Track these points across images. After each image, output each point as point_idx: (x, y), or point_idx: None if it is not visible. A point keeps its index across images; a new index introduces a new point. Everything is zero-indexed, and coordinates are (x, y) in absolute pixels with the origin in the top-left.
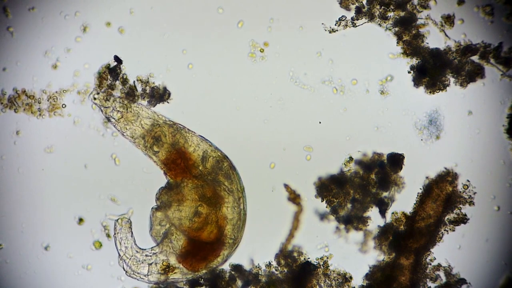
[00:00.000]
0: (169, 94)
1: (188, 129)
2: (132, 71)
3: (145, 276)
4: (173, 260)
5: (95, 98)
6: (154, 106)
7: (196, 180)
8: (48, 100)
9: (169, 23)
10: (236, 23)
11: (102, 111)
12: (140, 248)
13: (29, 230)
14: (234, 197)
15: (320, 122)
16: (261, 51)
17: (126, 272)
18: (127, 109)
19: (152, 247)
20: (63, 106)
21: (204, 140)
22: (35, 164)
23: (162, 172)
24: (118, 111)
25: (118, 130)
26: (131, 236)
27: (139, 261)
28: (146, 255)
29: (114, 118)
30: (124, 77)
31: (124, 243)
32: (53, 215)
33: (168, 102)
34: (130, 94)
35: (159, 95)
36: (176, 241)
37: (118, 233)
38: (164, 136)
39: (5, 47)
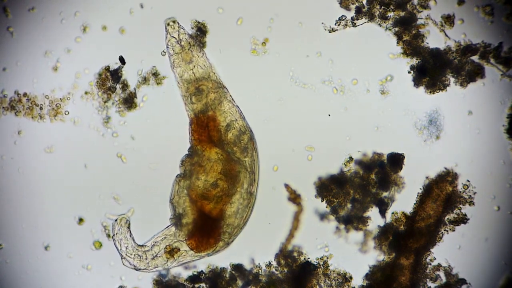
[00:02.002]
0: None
1: (230, 96)
2: (133, 71)
3: (154, 267)
4: (175, 244)
5: (169, 24)
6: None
7: (219, 150)
8: (50, 106)
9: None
10: (236, 23)
11: (166, 37)
12: (139, 245)
13: (29, 230)
14: (247, 169)
15: (329, 115)
16: (263, 45)
17: (136, 269)
18: (189, 49)
19: (154, 236)
20: (66, 113)
21: (239, 112)
22: (35, 164)
23: (188, 131)
24: (181, 45)
25: (171, 62)
26: (130, 236)
27: (142, 257)
28: (147, 251)
29: (174, 51)
30: (125, 82)
31: (124, 243)
32: (53, 215)
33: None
34: (129, 101)
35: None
36: (185, 222)
37: (117, 233)
38: (206, 92)
39: (5, 47)
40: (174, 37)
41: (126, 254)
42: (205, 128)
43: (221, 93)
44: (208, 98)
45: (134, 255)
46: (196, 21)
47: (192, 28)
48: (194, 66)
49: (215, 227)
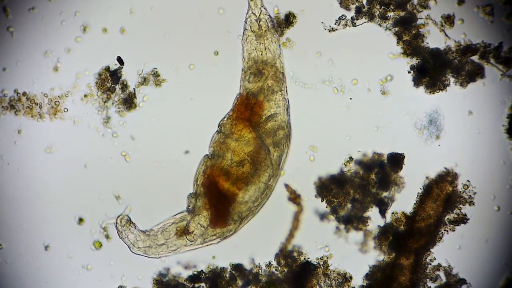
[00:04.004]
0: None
1: (286, 88)
2: (133, 72)
3: (168, 251)
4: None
5: (252, 0)
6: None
7: (253, 133)
8: (49, 104)
9: (169, 23)
10: (236, 23)
11: (247, 13)
12: (145, 232)
13: (29, 230)
14: (271, 162)
15: (351, 98)
16: (288, 40)
17: (149, 257)
18: (266, 31)
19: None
20: (65, 110)
21: (287, 107)
22: (35, 164)
23: (233, 103)
24: (259, 25)
25: (243, 37)
26: (135, 229)
27: (154, 245)
28: (155, 235)
29: (250, 27)
30: (124, 82)
31: (133, 237)
32: (53, 215)
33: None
34: (128, 101)
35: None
36: (202, 202)
37: (121, 232)
38: (266, 76)
39: (5, 47)
40: (255, 15)
41: (137, 247)
42: (248, 110)
43: (279, 83)
44: (265, 84)
45: (147, 246)
46: (291, 12)
47: (277, 14)
48: (265, 49)
49: (226, 208)
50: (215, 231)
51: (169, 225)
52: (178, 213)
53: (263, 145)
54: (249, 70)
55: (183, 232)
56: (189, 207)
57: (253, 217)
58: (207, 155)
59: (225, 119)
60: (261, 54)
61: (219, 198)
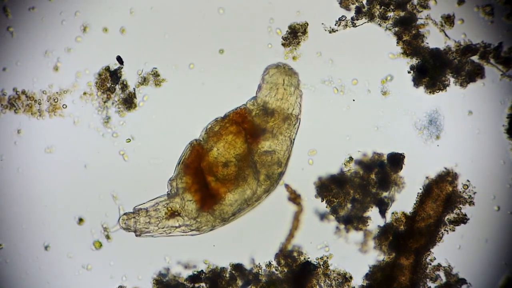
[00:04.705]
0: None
1: (295, 131)
2: (133, 72)
3: (158, 231)
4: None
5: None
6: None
7: (244, 142)
8: (48, 101)
9: (169, 23)
10: (236, 24)
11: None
12: (142, 210)
13: (29, 230)
14: (256, 185)
15: (354, 100)
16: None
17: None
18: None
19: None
20: (64, 106)
21: (289, 151)
22: (35, 164)
23: (232, 114)
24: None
25: (262, 79)
26: (136, 213)
27: (152, 222)
28: (149, 213)
29: (274, 94)
30: (124, 82)
31: (148, 224)
32: (53, 215)
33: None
34: (128, 101)
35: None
36: (183, 186)
37: (132, 228)
38: (275, 119)
39: (5, 47)
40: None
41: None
42: (245, 128)
43: (289, 126)
44: (274, 124)
45: (143, 220)
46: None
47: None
48: (283, 98)
49: (210, 199)
50: (199, 220)
51: (161, 203)
52: (158, 197)
53: (250, 158)
54: (261, 107)
55: (173, 214)
56: (171, 191)
57: (234, 220)
58: (196, 139)
59: (232, 113)
60: (275, 101)
61: (203, 183)
